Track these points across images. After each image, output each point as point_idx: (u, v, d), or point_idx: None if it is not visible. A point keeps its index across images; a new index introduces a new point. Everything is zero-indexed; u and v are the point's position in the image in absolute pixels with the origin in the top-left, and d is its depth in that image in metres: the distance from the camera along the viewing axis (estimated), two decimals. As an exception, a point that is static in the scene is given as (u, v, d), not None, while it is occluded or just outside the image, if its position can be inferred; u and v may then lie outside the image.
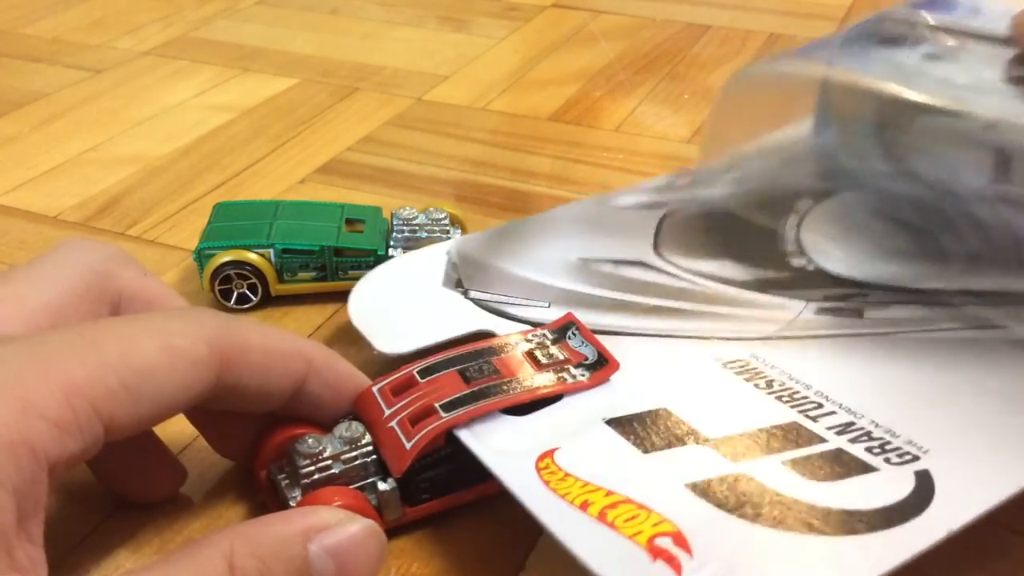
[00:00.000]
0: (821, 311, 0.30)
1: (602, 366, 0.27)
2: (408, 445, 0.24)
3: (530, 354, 0.27)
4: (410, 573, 0.25)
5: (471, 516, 0.26)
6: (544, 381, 0.26)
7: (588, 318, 0.29)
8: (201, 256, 0.35)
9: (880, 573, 0.20)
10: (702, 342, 0.29)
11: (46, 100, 0.53)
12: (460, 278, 0.32)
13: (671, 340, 0.29)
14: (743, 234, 0.34)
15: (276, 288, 0.35)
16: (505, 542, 0.25)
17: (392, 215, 0.36)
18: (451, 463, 0.25)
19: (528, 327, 0.29)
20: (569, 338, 0.28)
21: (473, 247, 0.34)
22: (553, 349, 0.28)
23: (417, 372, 0.26)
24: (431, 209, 0.36)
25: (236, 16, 0.65)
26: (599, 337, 0.28)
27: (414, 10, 0.66)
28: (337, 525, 0.21)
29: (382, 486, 0.25)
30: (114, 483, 0.26)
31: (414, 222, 0.36)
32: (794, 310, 0.30)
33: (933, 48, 0.32)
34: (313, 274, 0.35)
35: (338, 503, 0.24)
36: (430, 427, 0.25)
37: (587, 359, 0.27)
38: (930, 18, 0.33)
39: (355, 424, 0.25)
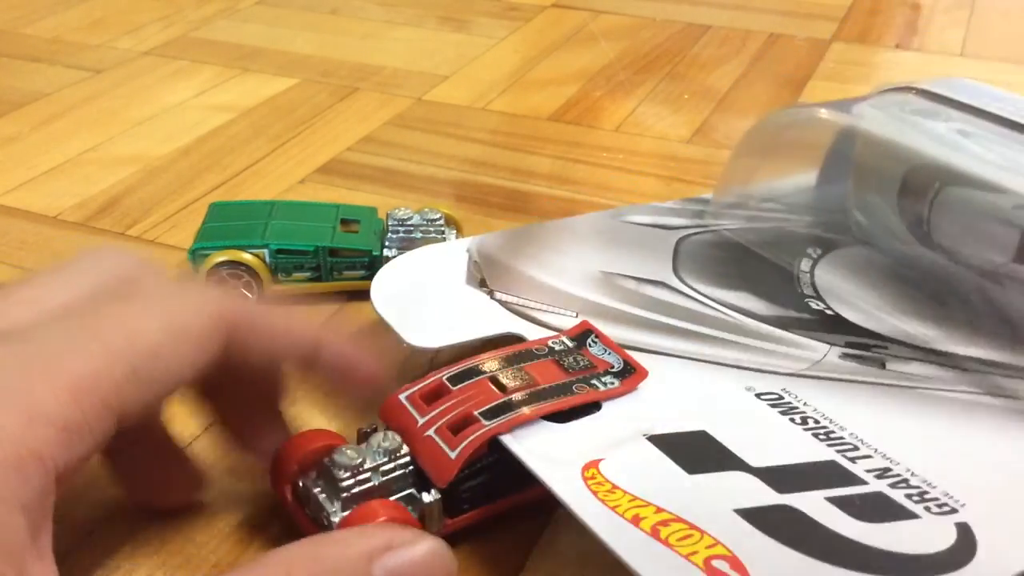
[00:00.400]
0: (845, 356, 0.29)
1: (630, 373, 0.27)
2: (452, 455, 0.24)
3: (557, 361, 0.27)
4: (410, 573, 0.25)
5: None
6: (577, 388, 0.26)
7: (615, 332, 0.29)
8: (196, 256, 0.35)
9: None
10: (732, 370, 0.28)
11: (46, 100, 0.53)
12: (484, 278, 0.32)
13: (701, 364, 0.29)
14: (759, 270, 0.33)
15: (271, 288, 0.35)
16: (505, 542, 0.25)
17: (387, 215, 0.36)
18: (492, 472, 0.25)
19: (549, 333, 0.29)
20: (589, 346, 0.28)
21: (494, 248, 0.34)
22: (578, 356, 0.27)
23: (447, 379, 0.26)
24: (426, 210, 0.36)
25: (236, 16, 0.65)
26: (624, 349, 0.28)
27: (414, 10, 0.66)
28: (402, 546, 0.20)
29: (426, 498, 0.24)
30: (135, 492, 0.26)
31: (409, 222, 0.36)
32: (819, 351, 0.30)
33: (964, 126, 0.32)
34: (308, 274, 0.35)
35: (383, 518, 0.23)
36: (474, 435, 0.24)
37: (613, 367, 0.27)
38: (960, 96, 0.33)
39: (390, 434, 0.25)
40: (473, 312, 0.31)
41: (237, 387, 0.25)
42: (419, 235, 0.35)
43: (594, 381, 0.26)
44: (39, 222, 0.41)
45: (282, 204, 0.37)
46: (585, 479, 0.23)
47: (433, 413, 0.25)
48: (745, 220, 0.36)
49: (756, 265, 0.34)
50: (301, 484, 0.25)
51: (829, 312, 0.31)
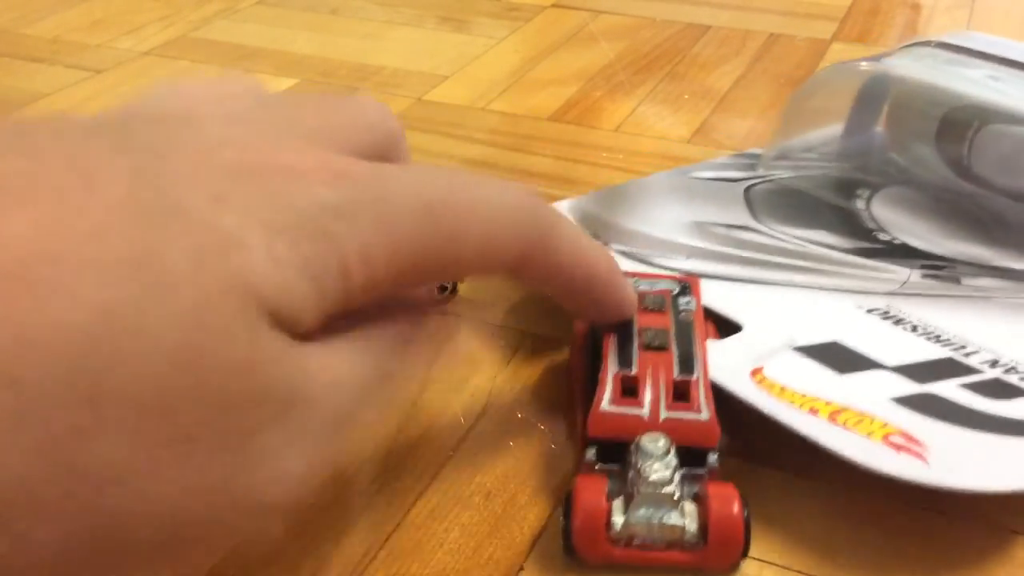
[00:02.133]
0: (925, 276, 0.33)
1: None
2: (704, 416, 0.24)
3: (667, 310, 0.28)
4: (410, 573, 0.25)
5: (471, 515, 0.26)
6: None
7: (725, 270, 0.33)
8: None
9: None
10: (838, 294, 0.32)
11: (46, 100, 0.53)
12: (593, 233, 0.35)
13: (809, 291, 0.32)
14: (823, 210, 0.37)
15: None
16: (505, 542, 0.25)
17: None
18: None
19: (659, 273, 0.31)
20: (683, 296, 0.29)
21: (589, 208, 0.37)
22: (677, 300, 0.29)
23: (617, 363, 0.26)
24: None
25: (236, 16, 0.65)
26: (739, 287, 0.32)
27: (414, 10, 0.66)
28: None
29: (712, 459, 0.24)
30: None
31: None
32: (903, 273, 0.33)
33: (991, 71, 0.36)
34: None
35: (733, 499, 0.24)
36: (702, 390, 0.25)
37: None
38: (980, 47, 0.37)
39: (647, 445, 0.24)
40: None
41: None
42: None
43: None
44: (39, 222, 0.41)
45: None
46: (756, 383, 0.26)
47: (649, 400, 0.25)
48: (791, 170, 0.39)
49: (819, 206, 0.37)
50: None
51: (896, 242, 0.35)
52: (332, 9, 0.66)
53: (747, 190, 0.38)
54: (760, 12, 0.65)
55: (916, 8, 0.67)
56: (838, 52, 0.58)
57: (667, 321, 0.27)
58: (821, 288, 0.32)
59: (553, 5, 0.67)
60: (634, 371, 0.25)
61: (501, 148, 0.47)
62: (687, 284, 0.29)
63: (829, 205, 0.37)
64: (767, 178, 0.39)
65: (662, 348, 0.26)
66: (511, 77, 0.55)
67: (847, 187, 0.38)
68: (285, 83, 0.54)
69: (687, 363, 0.26)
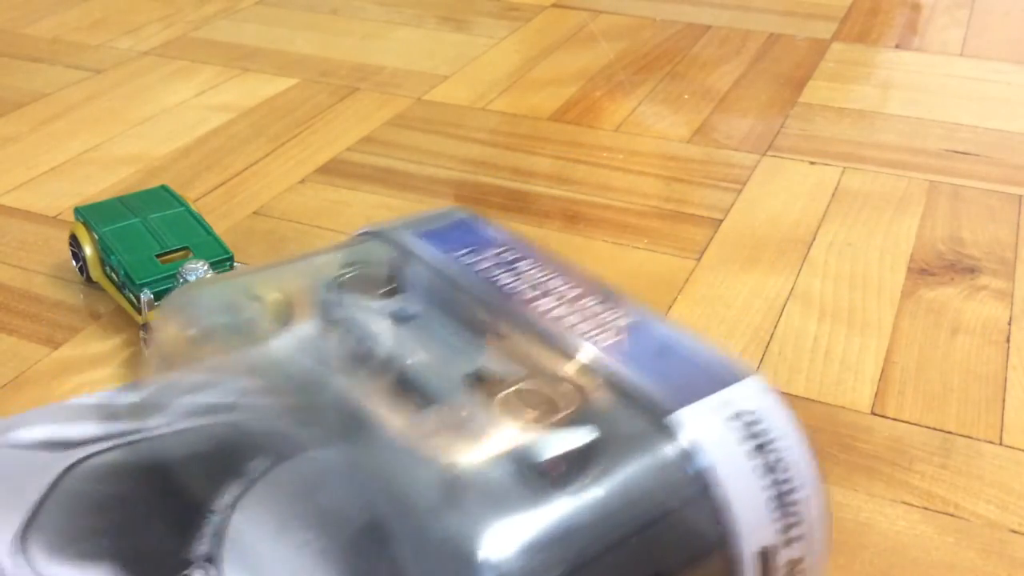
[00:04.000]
0: None
1: None
2: None
3: None
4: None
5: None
6: None
7: None
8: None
9: None
10: None
11: (46, 100, 0.53)
12: None
13: None
14: (152, 517, 0.23)
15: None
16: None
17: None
18: None
19: None
20: None
21: None
22: None
23: None
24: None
25: (236, 16, 0.65)
26: None
27: (414, 10, 0.66)
28: None
29: None
30: None
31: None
32: None
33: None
34: None
35: None
36: None
37: None
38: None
39: None
40: None
41: None
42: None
43: None
44: (39, 222, 0.41)
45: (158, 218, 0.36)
46: None
47: None
48: (180, 417, 0.24)
49: (152, 508, 0.23)
50: None
51: None
52: (332, 9, 0.66)
53: (70, 469, 0.24)
54: (760, 12, 0.65)
55: (916, 8, 0.67)
56: (838, 52, 0.58)
57: None
58: None
59: (553, 5, 0.67)
60: None
61: (501, 148, 0.47)
62: None
63: (171, 504, 0.22)
64: (132, 437, 0.24)
65: None
66: (511, 77, 0.55)
67: (234, 459, 0.22)
68: (285, 83, 0.54)
69: None
